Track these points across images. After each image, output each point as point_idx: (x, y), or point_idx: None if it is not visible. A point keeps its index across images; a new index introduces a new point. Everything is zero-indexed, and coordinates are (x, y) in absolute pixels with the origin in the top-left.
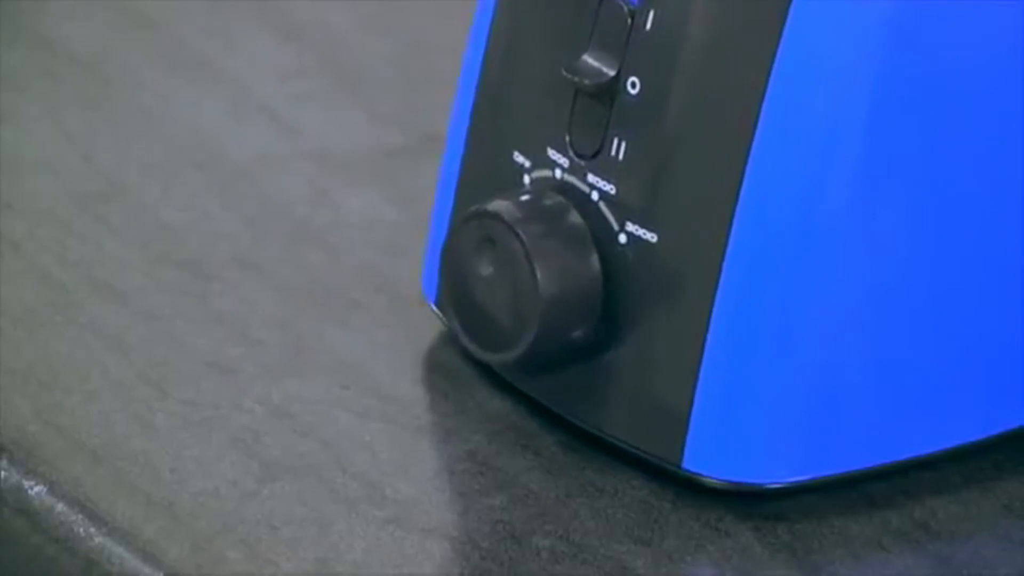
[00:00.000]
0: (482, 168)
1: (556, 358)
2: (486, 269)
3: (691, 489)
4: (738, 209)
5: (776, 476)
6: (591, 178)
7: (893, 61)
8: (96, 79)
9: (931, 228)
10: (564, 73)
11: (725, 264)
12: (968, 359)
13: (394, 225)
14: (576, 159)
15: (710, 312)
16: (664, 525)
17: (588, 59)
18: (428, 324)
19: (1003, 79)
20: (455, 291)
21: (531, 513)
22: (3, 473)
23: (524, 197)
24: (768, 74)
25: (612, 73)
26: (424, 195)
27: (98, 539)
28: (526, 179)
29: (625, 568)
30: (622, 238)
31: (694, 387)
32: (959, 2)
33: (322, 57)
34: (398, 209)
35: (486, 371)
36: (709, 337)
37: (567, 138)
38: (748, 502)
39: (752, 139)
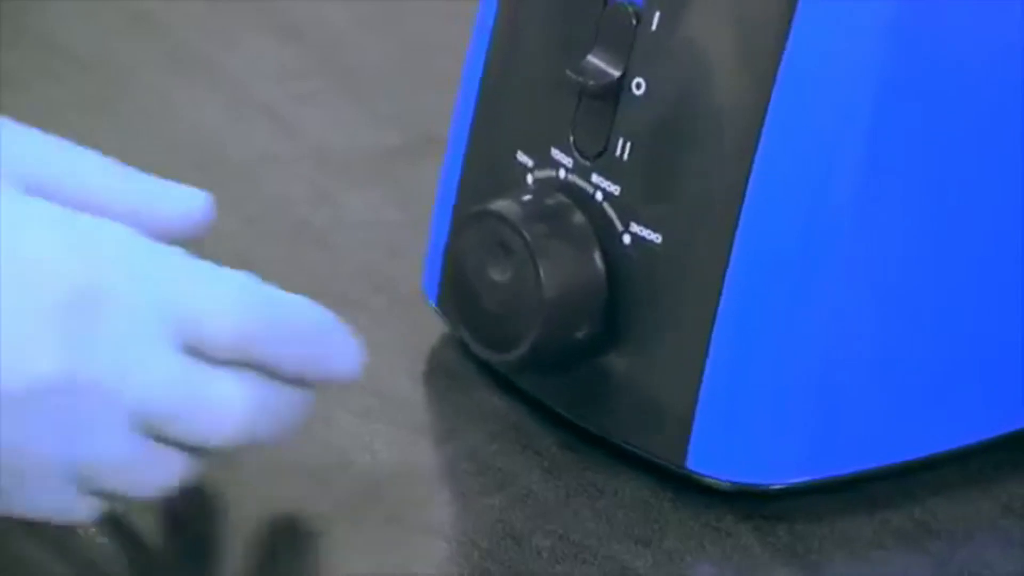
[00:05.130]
0: (485, 168)
1: (560, 358)
2: (489, 269)
3: (691, 489)
4: (743, 209)
5: (780, 477)
6: (595, 178)
7: (898, 61)
8: (96, 79)
9: (934, 230)
10: (569, 73)
11: (729, 265)
12: (969, 361)
13: (394, 225)
14: (580, 159)
15: (714, 313)
16: (664, 525)
17: (593, 59)
18: (428, 324)
19: (1007, 79)
20: (458, 291)
21: (531, 513)
22: None
23: (527, 197)
24: (773, 74)
25: (617, 73)
26: (424, 195)
27: (98, 539)
28: (529, 179)
29: (625, 568)
30: (626, 238)
31: (698, 388)
32: (963, 3)
33: (322, 57)
34: (398, 209)
35: (486, 371)
36: (713, 338)
37: (571, 138)
38: (748, 502)
39: (757, 139)
